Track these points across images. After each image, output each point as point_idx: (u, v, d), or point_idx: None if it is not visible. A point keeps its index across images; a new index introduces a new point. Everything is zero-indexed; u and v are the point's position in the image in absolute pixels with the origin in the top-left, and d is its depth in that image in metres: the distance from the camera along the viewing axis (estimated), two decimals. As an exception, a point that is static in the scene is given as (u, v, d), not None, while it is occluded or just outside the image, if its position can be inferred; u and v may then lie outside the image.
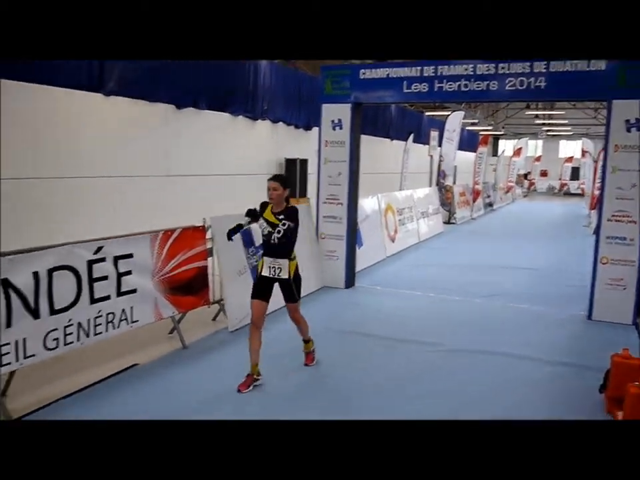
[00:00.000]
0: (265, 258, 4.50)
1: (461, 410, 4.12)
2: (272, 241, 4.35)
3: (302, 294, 7.01)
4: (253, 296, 4.51)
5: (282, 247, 4.39)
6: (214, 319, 6.13)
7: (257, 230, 6.46)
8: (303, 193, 13.21)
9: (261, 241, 4.63)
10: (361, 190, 8.12)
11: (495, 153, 35.87)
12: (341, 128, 7.54)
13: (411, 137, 17.55)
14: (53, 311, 4.10)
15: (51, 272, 4.07)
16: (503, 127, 32.99)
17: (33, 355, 4.00)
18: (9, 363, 3.85)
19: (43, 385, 4.35)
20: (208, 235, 5.68)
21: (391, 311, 6.87)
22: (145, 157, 9.43)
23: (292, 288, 4.54)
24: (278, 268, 4.43)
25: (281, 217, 4.36)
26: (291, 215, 4.40)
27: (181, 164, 10.16)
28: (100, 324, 4.48)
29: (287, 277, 4.45)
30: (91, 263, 4.38)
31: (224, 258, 5.73)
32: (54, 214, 7.68)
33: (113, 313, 4.58)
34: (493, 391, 4.51)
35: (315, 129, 12.51)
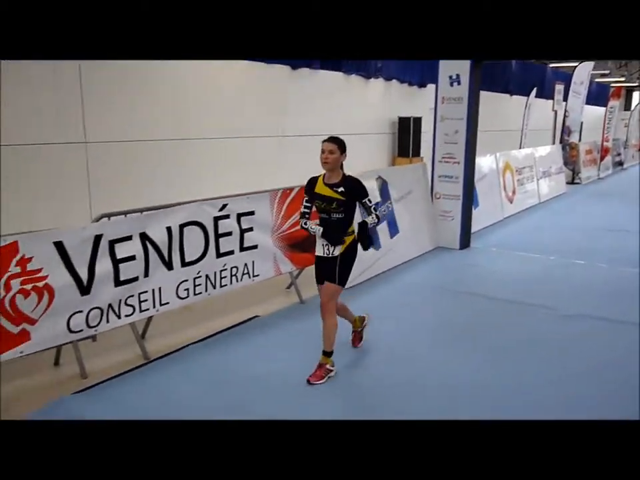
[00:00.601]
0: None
1: (570, 380, 3.97)
2: (327, 218, 3.83)
3: (414, 254, 7.16)
4: (318, 281, 4.01)
5: (339, 223, 3.82)
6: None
7: (374, 187, 6.52)
8: (417, 153, 12.97)
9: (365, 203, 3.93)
10: (478, 148, 7.84)
11: (627, 106, 32.85)
12: (459, 84, 7.27)
13: (534, 91, 16.49)
14: (184, 263, 4.44)
15: (182, 227, 4.38)
16: (639, 78, 30.01)
17: (167, 303, 4.37)
18: (147, 309, 4.25)
19: (175, 331, 4.75)
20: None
21: (507, 272, 6.66)
22: (261, 117, 9.70)
23: (335, 265, 3.85)
24: (332, 245, 3.86)
25: (340, 189, 3.76)
26: (354, 186, 3.80)
27: (295, 124, 10.34)
28: (225, 277, 4.78)
29: (337, 253, 3.85)
30: (216, 220, 4.65)
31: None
32: (180, 173, 8.17)
33: (236, 267, 4.86)
34: (610, 360, 4.27)
35: (430, 86, 12.18)
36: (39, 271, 3.54)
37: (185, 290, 4.48)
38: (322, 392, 3.77)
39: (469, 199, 7.76)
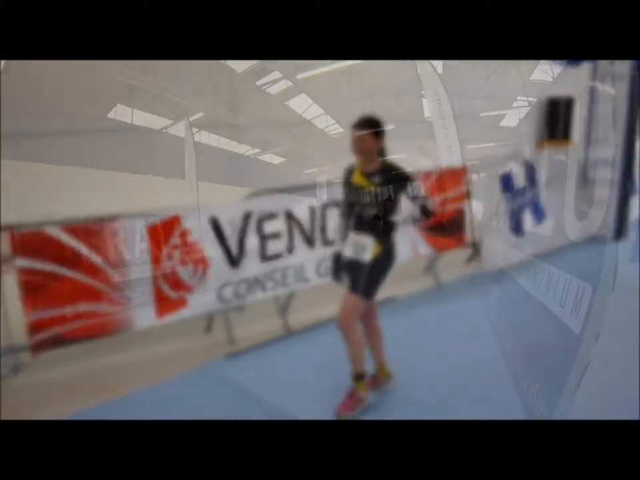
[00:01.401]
0: (351, 232, 3.23)
1: None
2: (362, 214, 3.12)
3: (562, 242, 6.68)
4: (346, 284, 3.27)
5: (372, 220, 3.12)
6: (467, 262, 6.14)
7: (516, 173, 6.22)
8: (567, 135, 12.14)
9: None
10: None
11: None
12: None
13: None
14: (325, 243, 4.60)
15: (324, 207, 4.55)
16: None
17: (308, 280, 4.58)
18: (290, 284, 4.49)
19: (314, 307, 4.93)
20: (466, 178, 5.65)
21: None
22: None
23: (365, 271, 3.11)
24: (361, 247, 3.14)
25: (376, 178, 3.06)
26: (391, 174, 3.07)
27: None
28: (363, 257, 4.87)
29: (369, 257, 3.12)
30: (357, 201, 4.75)
31: (481, 202, 5.65)
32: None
33: (375, 248, 4.93)
34: None
35: (584, 65, 11.31)
36: (196, 243, 3.88)
37: (325, 268, 4.65)
38: (437, 383, 3.73)
39: (628, 184, 7.13)
